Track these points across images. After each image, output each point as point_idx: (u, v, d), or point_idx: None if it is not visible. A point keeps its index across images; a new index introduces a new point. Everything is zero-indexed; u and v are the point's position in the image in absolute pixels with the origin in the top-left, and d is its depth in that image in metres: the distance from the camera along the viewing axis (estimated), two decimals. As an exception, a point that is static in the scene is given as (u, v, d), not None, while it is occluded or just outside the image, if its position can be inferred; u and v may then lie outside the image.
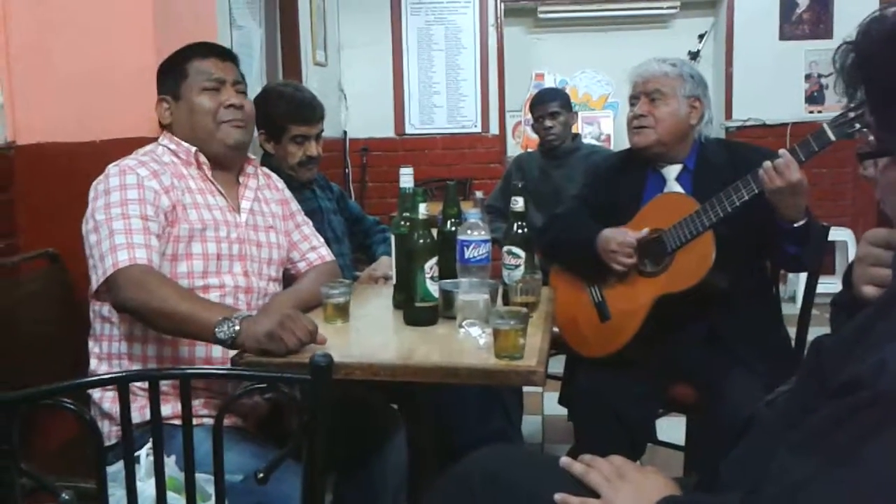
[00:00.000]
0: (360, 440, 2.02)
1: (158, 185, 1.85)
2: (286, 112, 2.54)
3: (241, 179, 2.06)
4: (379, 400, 2.24)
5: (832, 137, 1.99)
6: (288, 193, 2.23)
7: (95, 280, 1.76)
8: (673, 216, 2.23)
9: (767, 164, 2.05)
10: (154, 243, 1.78)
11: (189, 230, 1.86)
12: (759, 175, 2.07)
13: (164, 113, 2.00)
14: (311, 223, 2.26)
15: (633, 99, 2.40)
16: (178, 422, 1.44)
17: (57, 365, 2.05)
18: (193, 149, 1.96)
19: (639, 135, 2.35)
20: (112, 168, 1.86)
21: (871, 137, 1.04)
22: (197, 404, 1.73)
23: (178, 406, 1.49)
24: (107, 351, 1.88)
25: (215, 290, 1.88)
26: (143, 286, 1.69)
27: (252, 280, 1.96)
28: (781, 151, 2.05)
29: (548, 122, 3.75)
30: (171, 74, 1.99)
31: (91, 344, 1.92)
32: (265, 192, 2.13)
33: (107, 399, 1.83)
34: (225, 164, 2.01)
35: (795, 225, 2.10)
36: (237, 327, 1.61)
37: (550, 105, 3.76)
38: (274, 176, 2.24)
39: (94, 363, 1.90)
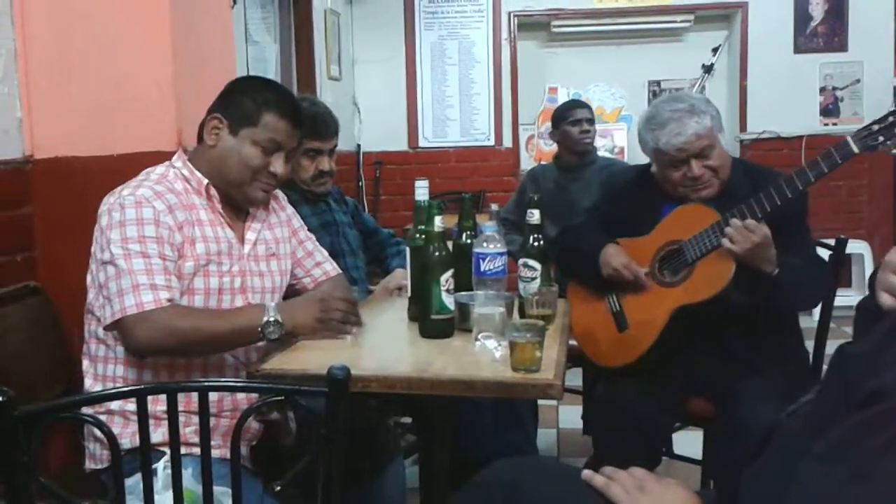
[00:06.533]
0: (359, 460, 1.98)
1: (173, 222, 1.79)
2: None
3: (251, 210, 2.00)
4: (379, 420, 2.23)
5: (855, 150, 1.97)
6: (290, 210, 2.17)
7: (110, 314, 1.71)
8: (693, 227, 2.21)
9: (729, 230, 2.07)
10: (175, 284, 1.76)
11: (195, 266, 1.82)
12: (724, 244, 2.08)
13: (211, 132, 1.89)
14: (314, 238, 2.21)
15: (678, 163, 2.25)
16: (166, 448, 1.42)
17: (43, 393, 2.03)
18: (206, 181, 1.89)
19: (707, 188, 2.27)
20: (128, 198, 1.78)
21: None
22: (189, 432, 1.63)
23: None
24: (102, 373, 1.83)
25: None
26: (171, 327, 1.68)
27: None
28: (732, 221, 2.07)
29: (586, 126, 3.76)
30: (243, 109, 1.87)
31: (86, 364, 1.86)
32: (271, 217, 2.07)
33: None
34: (239, 203, 1.96)
35: (773, 273, 2.10)
36: (280, 320, 1.75)
37: (587, 111, 3.80)
38: (279, 194, 2.16)
39: (88, 383, 1.85)
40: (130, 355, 1.79)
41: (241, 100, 1.88)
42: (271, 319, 1.75)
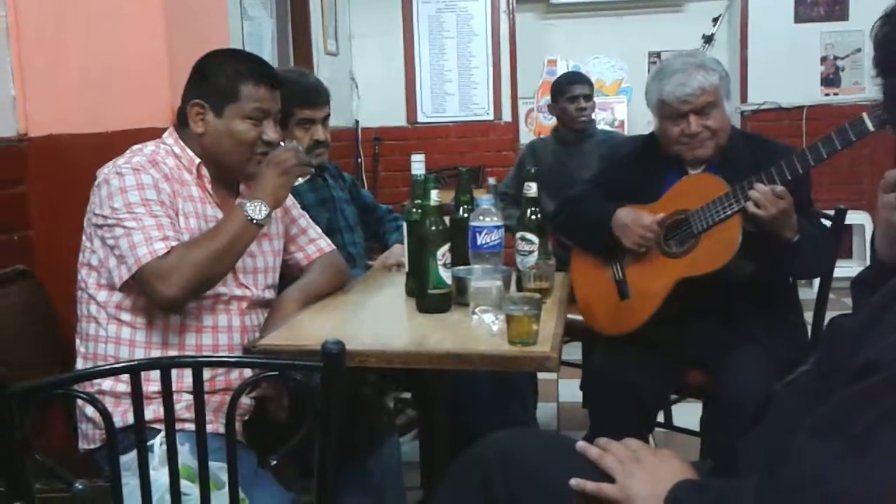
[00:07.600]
0: (354, 436, 1.98)
1: (170, 189, 1.81)
2: (291, 96, 2.49)
3: (241, 189, 1.99)
4: (374, 396, 2.22)
5: (871, 127, 1.93)
6: None
7: (126, 270, 1.71)
8: (701, 198, 2.19)
9: (756, 194, 2.04)
10: (184, 238, 1.77)
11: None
12: (749, 208, 2.06)
13: (196, 119, 1.87)
14: (307, 215, 2.20)
15: (678, 117, 2.24)
16: (158, 425, 1.43)
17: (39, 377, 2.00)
18: (197, 160, 1.88)
19: (700, 148, 2.25)
20: (124, 166, 1.79)
21: None
22: (180, 408, 1.63)
23: (161, 410, 1.48)
24: (93, 352, 1.83)
25: (208, 300, 1.83)
26: (186, 263, 1.69)
27: (246, 291, 1.91)
28: (758, 186, 2.05)
29: (583, 103, 3.73)
30: (219, 88, 1.86)
31: (77, 342, 1.87)
32: None
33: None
34: (230, 182, 1.97)
35: (794, 240, 2.09)
36: (258, 199, 1.79)
37: (585, 87, 3.76)
38: None
39: (79, 363, 1.85)
40: (122, 333, 1.79)
41: (214, 79, 1.87)
42: (252, 204, 1.78)
